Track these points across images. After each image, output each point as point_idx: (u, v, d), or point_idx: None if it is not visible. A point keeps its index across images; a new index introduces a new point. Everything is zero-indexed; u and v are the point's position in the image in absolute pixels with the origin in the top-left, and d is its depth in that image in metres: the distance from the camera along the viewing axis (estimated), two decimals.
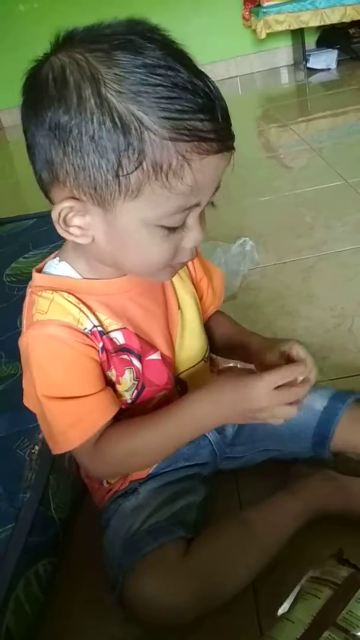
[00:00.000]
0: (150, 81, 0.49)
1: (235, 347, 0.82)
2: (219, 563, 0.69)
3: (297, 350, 0.70)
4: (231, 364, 0.97)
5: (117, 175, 0.51)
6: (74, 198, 0.54)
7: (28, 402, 0.70)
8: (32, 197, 2.90)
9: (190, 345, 0.75)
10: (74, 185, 0.53)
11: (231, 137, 0.54)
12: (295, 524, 0.75)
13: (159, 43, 0.51)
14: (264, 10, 3.45)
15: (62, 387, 0.63)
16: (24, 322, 0.65)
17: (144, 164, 0.50)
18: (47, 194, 0.58)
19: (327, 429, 0.79)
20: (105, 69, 0.49)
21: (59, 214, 0.56)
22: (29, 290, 0.66)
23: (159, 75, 0.49)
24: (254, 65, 4.08)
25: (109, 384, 0.68)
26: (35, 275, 0.67)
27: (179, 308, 0.74)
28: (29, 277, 1.40)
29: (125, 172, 0.51)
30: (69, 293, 0.63)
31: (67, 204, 0.55)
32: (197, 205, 0.56)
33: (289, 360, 0.70)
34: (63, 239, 0.71)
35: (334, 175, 1.99)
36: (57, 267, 0.66)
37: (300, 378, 0.66)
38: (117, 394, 0.69)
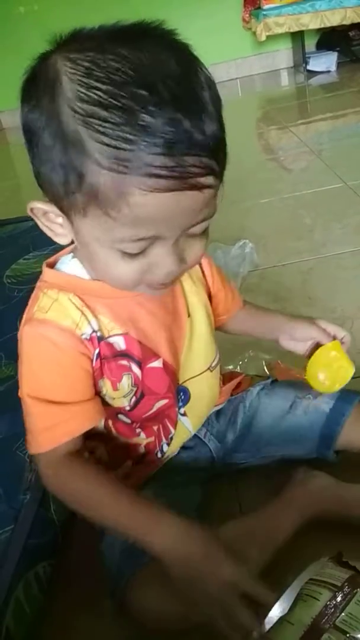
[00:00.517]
0: (106, 103, 0.45)
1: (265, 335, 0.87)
2: None
3: (334, 328, 0.80)
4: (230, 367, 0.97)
5: (66, 192, 0.51)
6: (45, 202, 0.55)
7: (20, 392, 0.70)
8: (32, 198, 2.90)
9: (197, 353, 0.74)
10: (49, 192, 0.54)
11: (209, 173, 0.49)
12: (292, 531, 0.74)
13: (147, 54, 0.47)
14: (264, 12, 3.46)
15: (46, 390, 0.63)
16: (25, 315, 0.65)
17: (83, 187, 0.49)
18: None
19: (333, 430, 0.80)
20: (70, 83, 0.47)
21: (33, 209, 0.57)
22: (38, 284, 0.66)
23: (121, 96, 0.45)
24: (254, 67, 4.08)
25: (99, 393, 0.67)
26: (46, 270, 0.66)
27: (189, 315, 0.73)
28: (29, 279, 1.41)
29: (71, 190, 0.50)
30: (74, 294, 0.63)
31: (42, 206, 0.56)
32: (158, 238, 0.52)
33: (316, 346, 0.79)
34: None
35: (333, 177, 1.99)
36: (69, 263, 0.65)
37: (342, 334, 0.80)
38: (115, 402, 0.68)
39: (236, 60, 3.96)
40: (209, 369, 0.77)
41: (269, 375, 0.93)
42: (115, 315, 0.65)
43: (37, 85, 0.50)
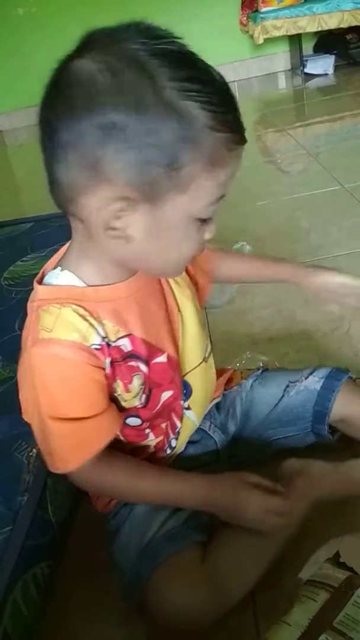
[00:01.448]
0: (193, 78, 0.51)
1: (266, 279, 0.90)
2: (234, 567, 0.70)
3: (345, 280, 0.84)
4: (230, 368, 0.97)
5: (172, 169, 0.52)
6: (121, 197, 0.53)
7: (27, 415, 0.70)
8: (30, 200, 2.91)
9: (192, 346, 0.76)
10: (125, 183, 0.53)
11: None
12: (298, 522, 0.75)
13: (177, 44, 0.53)
14: (262, 15, 3.47)
15: (65, 408, 0.62)
16: (29, 338, 0.62)
17: (197, 155, 0.53)
18: (73, 199, 0.56)
19: (325, 406, 0.84)
20: (156, 67, 0.51)
21: (103, 216, 0.55)
22: (33, 305, 0.64)
23: (197, 72, 0.53)
24: (251, 70, 4.09)
25: (113, 397, 0.68)
26: (37, 287, 0.64)
27: (179, 311, 0.74)
28: (27, 280, 1.41)
29: (179, 166, 0.52)
30: (77, 304, 0.61)
31: (118, 204, 0.54)
32: (223, 196, 0.58)
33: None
34: (61, 242, 0.71)
35: (330, 180, 2.00)
36: (59, 277, 0.64)
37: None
38: (126, 403, 0.69)
39: (234, 63, 3.97)
40: (204, 360, 0.79)
41: (259, 366, 0.94)
42: (117, 317, 0.65)
43: (120, 80, 0.50)
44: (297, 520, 0.74)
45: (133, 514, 0.74)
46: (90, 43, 0.53)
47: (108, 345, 0.64)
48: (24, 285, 1.34)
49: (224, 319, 1.33)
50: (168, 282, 0.73)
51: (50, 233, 1.65)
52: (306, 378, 0.87)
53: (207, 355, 0.80)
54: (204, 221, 0.59)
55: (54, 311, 0.61)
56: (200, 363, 0.78)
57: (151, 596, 0.67)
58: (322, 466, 0.81)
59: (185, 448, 0.81)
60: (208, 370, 0.80)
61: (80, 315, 0.61)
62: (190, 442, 0.82)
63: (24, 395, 0.68)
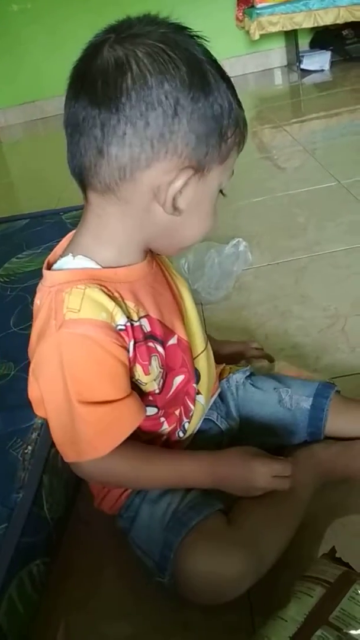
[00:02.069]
0: (222, 69, 0.60)
1: None
2: (262, 530, 0.71)
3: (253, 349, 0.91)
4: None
5: (222, 140, 0.60)
6: (188, 167, 0.58)
7: (39, 410, 0.69)
8: (26, 197, 2.91)
9: (195, 331, 0.78)
10: (188, 155, 0.58)
11: None
12: (309, 491, 0.78)
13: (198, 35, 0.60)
14: (258, 11, 3.46)
15: (95, 391, 0.62)
16: (52, 322, 0.60)
17: (237, 130, 0.61)
18: (127, 175, 0.58)
19: (317, 426, 0.86)
20: (201, 55, 0.58)
21: (175, 187, 0.59)
22: (51, 290, 0.62)
23: (218, 66, 0.60)
24: (247, 66, 4.08)
25: (132, 383, 0.67)
26: (51, 273, 0.64)
27: (181, 297, 0.77)
28: (22, 278, 1.40)
29: (227, 137, 0.60)
30: (99, 284, 0.61)
31: (187, 173, 0.58)
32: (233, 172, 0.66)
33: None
34: (56, 239, 0.71)
35: (327, 176, 2.00)
36: (73, 262, 0.63)
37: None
38: (146, 386, 0.69)
39: (230, 59, 3.96)
40: (206, 347, 0.81)
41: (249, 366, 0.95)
42: (136, 298, 0.66)
43: (186, 62, 0.56)
44: (304, 495, 0.77)
45: (148, 498, 0.74)
46: (130, 28, 0.57)
47: (132, 325, 0.64)
48: (20, 282, 1.33)
49: (219, 315, 1.33)
50: (167, 271, 0.75)
51: (46, 230, 1.65)
52: (295, 393, 0.87)
53: (206, 342, 0.82)
54: (220, 193, 0.65)
55: (79, 292, 0.60)
56: (205, 348, 0.80)
57: (183, 565, 0.67)
58: (324, 442, 0.85)
59: (194, 438, 0.82)
60: (209, 354, 0.83)
61: (106, 294, 0.61)
62: (199, 432, 0.83)
63: (35, 392, 0.66)
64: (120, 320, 0.62)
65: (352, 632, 0.58)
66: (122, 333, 0.63)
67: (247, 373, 0.92)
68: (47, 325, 0.61)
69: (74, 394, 0.61)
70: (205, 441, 0.84)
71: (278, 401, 0.87)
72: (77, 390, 0.61)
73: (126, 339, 0.63)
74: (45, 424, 0.87)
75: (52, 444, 0.85)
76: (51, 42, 3.82)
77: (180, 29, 0.59)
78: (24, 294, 1.26)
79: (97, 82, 0.55)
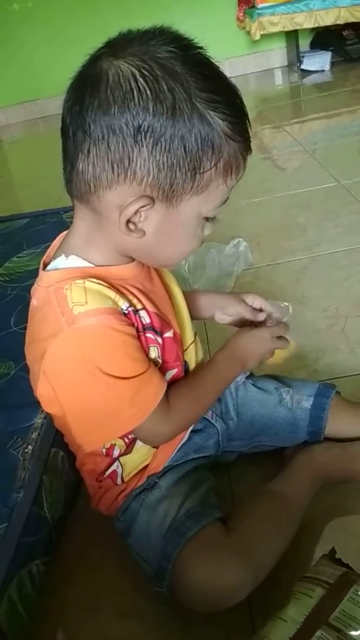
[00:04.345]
0: (217, 89, 0.56)
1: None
2: (260, 538, 0.71)
3: (261, 303, 0.86)
4: None
5: (195, 173, 0.57)
6: (145, 196, 0.57)
7: (50, 407, 0.70)
8: (26, 196, 2.91)
9: (185, 324, 0.79)
10: (150, 183, 0.56)
11: None
12: (309, 494, 0.79)
13: (203, 54, 0.58)
14: (259, 11, 3.46)
15: (120, 369, 0.63)
16: (61, 319, 0.61)
17: (219, 163, 0.58)
18: (94, 191, 0.58)
19: (318, 426, 0.86)
20: (188, 77, 0.54)
21: (127, 213, 0.58)
22: (49, 290, 0.63)
23: (220, 84, 0.57)
24: (248, 66, 4.08)
25: None
26: (48, 273, 0.65)
27: (170, 292, 0.78)
28: (22, 277, 1.40)
29: (202, 170, 0.57)
30: (96, 279, 0.63)
31: (142, 202, 0.58)
32: (228, 198, 0.63)
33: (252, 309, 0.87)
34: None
35: (327, 176, 2.00)
36: (67, 261, 0.65)
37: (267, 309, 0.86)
38: None
39: (230, 59, 3.96)
40: (194, 340, 0.82)
41: None
42: (131, 293, 0.67)
43: (159, 86, 0.54)
44: (304, 498, 0.78)
45: (146, 504, 0.75)
46: (124, 44, 0.55)
47: (133, 311, 0.66)
48: (20, 282, 1.33)
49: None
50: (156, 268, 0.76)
51: (46, 229, 1.65)
52: (296, 393, 0.89)
53: (195, 335, 0.83)
54: (207, 219, 0.64)
55: (79, 286, 0.61)
56: (193, 341, 0.81)
57: (181, 576, 0.67)
58: (323, 444, 0.86)
59: (190, 437, 0.82)
60: (199, 346, 0.83)
61: (104, 286, 0.63)
62: (194, 431, 0.83)
63: (45, 390, 0.67)
64: (123, 305, 0.64)
65: (352, 633, 0.58)
66: (127, 316, 0.65)
67: (247, 373, 0.92)
68: (57, 323, 0.61)
69: (103, 374, 0.62)
70: (202, 439, 0.84)
71: (279, 401, 0.88)
72: (105, 372, 0.62)
73: (133, 320, 0.66)
74: (45, 424, 0.87)
75: (52, 444, 0.86)
76: (52, 40, 3.81)
77: (185, 49, 0.56)
78: (24, 293, 1.26)
79: (81, 94, 0.56)
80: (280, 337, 0.82)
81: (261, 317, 0.84)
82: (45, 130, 3.89)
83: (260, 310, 0.86)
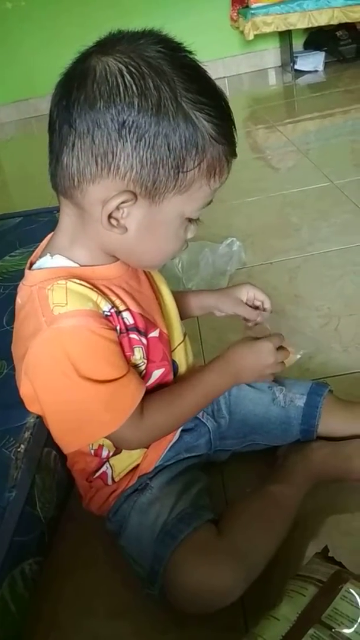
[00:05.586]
0: (202, 91, 0.57)
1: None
2: (252, 539, 0.71)
3: (255, 293, 0.87)
4: None
5: (179, 171, 0.57)
6: (127, 191, 0.57)
7: (32, 406, 0.70)
8: (18, 195, 2.89)
9: (173, 324, 0.79)
10: (133, 179, 0.57)
11: None
12: (301, 493, 0.79)
13: (190, 57, 0.58)
14: (252, 11, 3.46)
15: (97, 373, 0.63)
16: (42, 320, 0.61)
17: (203, 163, 0.58)
18: (77, 185, 0.58)
19: (311, 424, 0.86)
20: (174, 77, 0.55)
21: (109, 207, 0.58)
22: (32, 289, 0.63)
23: (206, 86, 0.58)
24: (241, 66, 4.08)
25: None
26: (32, 273, 0.65)
27: (159, 292, 0.78)
28: (15, 276, 1.40)
29: (185, 169, 0.57)
30: (79, 279, 0.63)
31: (124, 196, 0.57)
32: (211, 201, 0.63)
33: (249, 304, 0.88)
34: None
35: (320, 176, 2.00)
36: (52, 261, 0.65)
37: (266, 305, 0.88)
38: None
39: (224, 59, 3.96)
40: (183, 339, 0.82)
41: None
42: (115, 294, 0.67)
43: (145, 84, 0.54)
44: (296, 497, 0.78)
45: (137, 506, 0.75)
46: (113, 42, 0.56)
47: (116, 313, 0.66)
48: (13, 281, 1.33)
49: (212, 316, 1.33)
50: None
51: (39, 228, 1.64)
52: (289, 391, 0.89)
53: (183, 332, 0.83)
54: (190, 221, 0.64)
55: (61, 287, 0.62)
56: (182, 341, 0.81)
57: (173, 578, 0.67)
58: (316, 443, 0.86)
59: (181, 436, 0.82)
60: (188, 347, 0.83)
61: (87, 287, 0.63)
62: (185, 430, 0.83)
63: (27, 389, 0.67)
64: (105, 307, 0.64)
65: (345, 630, 0.58)
66: (109, 318, 0.64)
67: None
68: (37, 323, 0.61)
69: (79, 377, 0.62)
70: (193, 438, 0.84)
71: (272, 400, 0.88)
72: (81, 374, 0.62)
73: (114, 322, 0.65)
74: (38, 423, 0.86)
75: (45, 443, 0.85)
76: (45, 39, 3.80)
77: (174, 50, 0.57)
78: (16, 293, 1.25)
79: (68, 88, 0.56)
80: (279, 348, 0.79)
81: (255, 316, 0.85)
82: (38, 129, 3.87)
83: (257, 307, 0.87)
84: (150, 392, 0.72)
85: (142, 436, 0.71)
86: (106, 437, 0.70)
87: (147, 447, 0.78)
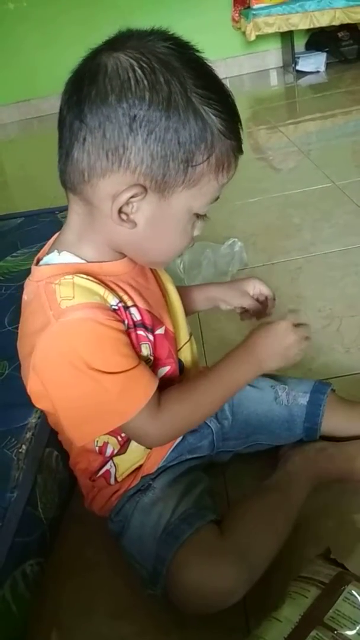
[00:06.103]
0: (211, 87, 0.57)
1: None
2: (254, 539, 0.71)
3: (261, 288, 0.87)
4: None
5: (188, 166, 0.58)
6: (138, 185, 0.58)
7: (40, 402, 0.71)
8: (21, 196, 2.90)
9: (179, 323, 0.79)
10: (143, 172, 0.57)
11: None
12: (303, 493, 0.79)
13: (198, 55, 0.59)
14: (254, 12, 3.46)
15: (108, 364, 0.62)
16: (49, 313, 0.61)
17: (211, 158, 0.59)
18: (88, 180, 0.59)
19: (314, 422, 0.86)
20: (184, 72, 0.56)
21: (120, 200, 0.59)
22: (40, 284, 0.63)
23: (214, 83, 0.59)
24: (243, 67, 4.08)
25: None
26: (39, 268, 0.65)
27: (165, 290, 0.78)
28: (16, 276, 1.40)
29: (195, 163, 0.58)
30: (86, 275, 0.63)
31: (134, 190, 0.58)
32: (218, 197, 0.64)
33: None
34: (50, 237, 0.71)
35: (322, 177, 2.00)
36: (59, 257, 0.65)
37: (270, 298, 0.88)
38: None
39: (226, 59, 3.96)
40: (189, 339, 0.81)
41: None
42: (122, 290, 0.67)
43: (156, 78, 0.55)
44: (298, 498, 0.78)
45: (140, 506, 0.75)
46: (123, 40, 0.57)
47: (124, 308, 0.66)
48: (14, 281, 1.33)
49: (214, 315, 1.33)
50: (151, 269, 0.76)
51: (41, 228, 1.64)
52: (292, 390, 0.88)
53: (189, 332, 0.82)
54: (197, 217, 0.64)
55: (68, 281, 0.62)
56: (188, 340, 0.81)
57: (176, 579, 0.67)
58: (318, 444, 0.86)
59: (184, 437, 0.82)
60: (194, 346, 0.83)
61: (94, 282, 0.63)
62: (188, 432, 0.82)
63: (35, 385, 0.67)
64: (113, 301, 0.64)
65: (347, 632, 0.58)
66: (116, 312, 0.64)
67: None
68: (44, 317, 0.61)
69: (89, 369, 0.61)
70: (196, 440, 0.84)
71: (274, 399, 0.88)
72: (91, 367, 0.62)
73: (121, 316, 0.65)
74: (39, 424, 0.86)
75: (47, 444, 0.85)
76: (47, 40, 3.81)
77: (182, 47, 0.58)
78: (18, 293, 1.25)
79: (79, 85, 0.57)
80: (297, 326, 0.76)
81: (262, 309, 0.85)
82: (40, 129, 3.88)
83: (263, 300, 0.87)
84: (162, 389, 0.71)
85: (163, 428, 0.70)
86: (127, 433, 0.71)
87: (151, 448, 0.77)
